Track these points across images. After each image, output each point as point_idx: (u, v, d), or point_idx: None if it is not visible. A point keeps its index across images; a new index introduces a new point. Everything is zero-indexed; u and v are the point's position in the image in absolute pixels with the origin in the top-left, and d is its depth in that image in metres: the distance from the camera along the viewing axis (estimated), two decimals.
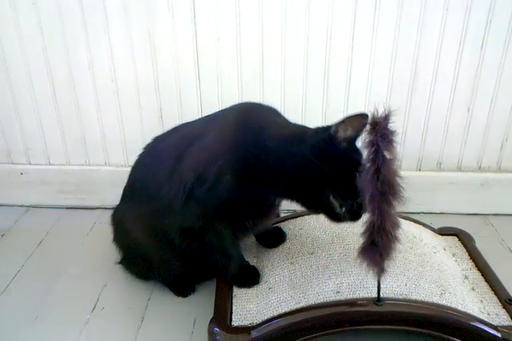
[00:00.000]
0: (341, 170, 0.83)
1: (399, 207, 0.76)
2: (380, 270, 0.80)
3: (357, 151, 0.84)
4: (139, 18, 1.21)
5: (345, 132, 0.82)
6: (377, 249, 0.77)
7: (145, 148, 1.05)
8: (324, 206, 0.87)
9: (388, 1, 1.16)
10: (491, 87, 1.25)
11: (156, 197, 0.96)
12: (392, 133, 0.73)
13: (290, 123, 0.95)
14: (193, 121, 1.02)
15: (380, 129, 0.72)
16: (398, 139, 0.75)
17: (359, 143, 0.83)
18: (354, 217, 0.86)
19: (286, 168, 0.85)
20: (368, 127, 0.74)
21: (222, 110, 1.00)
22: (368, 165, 0.74)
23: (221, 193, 0.88)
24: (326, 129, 0.85)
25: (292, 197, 0.91)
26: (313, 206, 0.90)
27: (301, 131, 0.89)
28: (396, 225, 0.77)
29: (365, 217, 0.79)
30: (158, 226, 0.97)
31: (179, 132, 1.01)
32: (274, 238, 1.08)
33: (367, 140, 0.74)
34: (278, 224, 1.12)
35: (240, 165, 0.88)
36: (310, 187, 0.86)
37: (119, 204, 1.08)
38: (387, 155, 0.73)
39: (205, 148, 0.91)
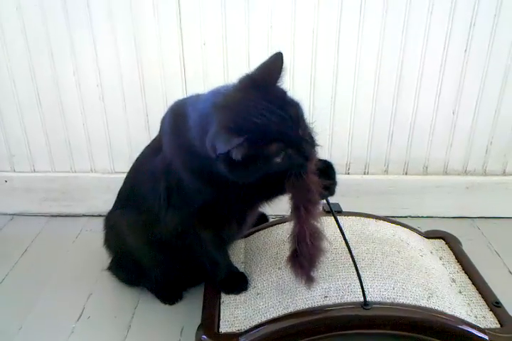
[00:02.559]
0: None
1: (318, 215, 0.76)
2: (307, 279, 0.81)
3: None
4: (125, 23, 1.21)
5: None
6: (298, 258, 0.78)
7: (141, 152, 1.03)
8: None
9: (373, 4, 1.17)
10: (475, 90, 1.26)
11: (146, 206, 0.96)
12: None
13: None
14: None
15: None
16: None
17: None
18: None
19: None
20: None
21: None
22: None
23: (189, 195, 0.88)
24: None
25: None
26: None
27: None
28: (316, 234, 0.77)
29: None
30: (151, 233, 0.97)
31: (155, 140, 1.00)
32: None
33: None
34: (266, 229, 1.12)
35: (187, 165, 0.86)
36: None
37: (112, 209, 1.07)
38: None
39: (159, 159, 0.91)
